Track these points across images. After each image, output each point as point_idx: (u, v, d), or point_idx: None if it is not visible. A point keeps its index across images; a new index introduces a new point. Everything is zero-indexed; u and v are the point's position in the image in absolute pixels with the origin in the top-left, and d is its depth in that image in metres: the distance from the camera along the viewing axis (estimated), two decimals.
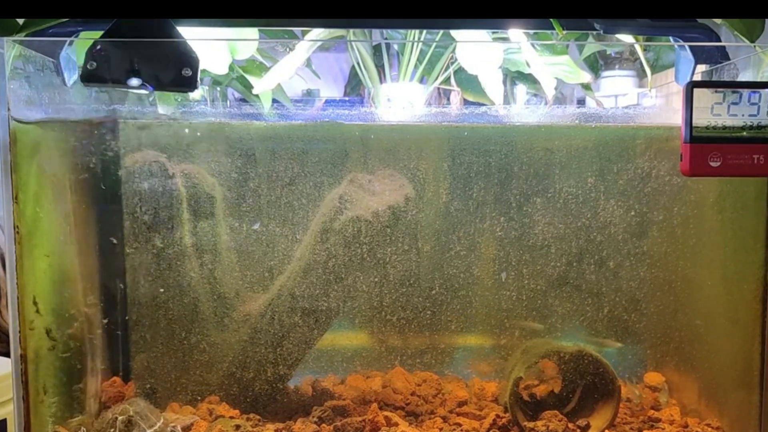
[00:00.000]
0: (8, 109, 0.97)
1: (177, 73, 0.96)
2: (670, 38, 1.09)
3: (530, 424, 1.13)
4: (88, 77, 0.94)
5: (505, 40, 1.35)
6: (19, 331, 1.00)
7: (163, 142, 1.18)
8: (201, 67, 1.20)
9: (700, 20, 1.05)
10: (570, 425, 1.13)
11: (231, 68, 1.30)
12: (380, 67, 1.51)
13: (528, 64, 1.32)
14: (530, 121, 1.26)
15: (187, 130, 1.20)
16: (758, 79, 1.04)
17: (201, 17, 1.01)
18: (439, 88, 1.51)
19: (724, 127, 0.92)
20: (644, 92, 1.55)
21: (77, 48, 1.09)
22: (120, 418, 1.03)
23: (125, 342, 1.23)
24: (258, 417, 1.16)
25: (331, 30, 1.27)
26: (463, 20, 1.08)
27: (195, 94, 1.44)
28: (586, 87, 1.52)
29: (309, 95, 1.86)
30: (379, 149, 1.22)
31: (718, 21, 1.08)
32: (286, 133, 1.22)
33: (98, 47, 0.94)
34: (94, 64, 0.94)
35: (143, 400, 1.12)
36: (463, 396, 1.25)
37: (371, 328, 1.26)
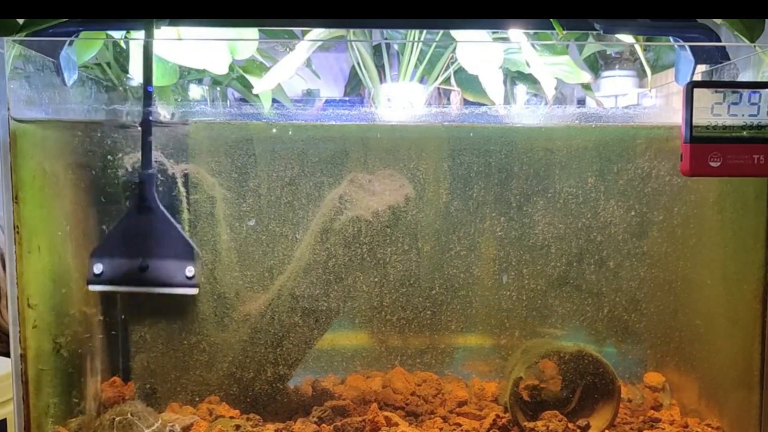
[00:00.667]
0: (8, 109, 0.97)
1: (181, 274, 1.00)
2: (670, 38, 1.09)
3: (530, 424, 1.13)
4: (95, 281, 0.98)
5: (505, 40, 1.35)
6: (19, 331, 1.00)
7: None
8: (201, 67, 1.21)
9: (700, 20, 1.05)
10: (570, 425, 1.13)
11: (231, 68, 1.30)
12: (380, 67, 1.51)
13: (528, 64, 1.32)
14: (530, 121, 1.26)
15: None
16: (758, 79, 1.04)
17: (201, 17, 1.01)
18: (439, 88, 1.51)
19: (724, 127, 0.92)
20: (644, 92, 1.55)
21: (77, 48, 1.09)
22: (117, 419, 1.03)
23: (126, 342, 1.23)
24: (258, 417, 1.16)
25: (331, 30, 1.27)
26: (463, 20, 1.08)
27: (195, 94, 1.44)
28: (586, 87, 1.52)
29: (309, 95, 1.86)
30: (379, 149, 1.22)
31: (718, 21, 1.08)
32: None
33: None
34: (101, 268, 0.98)
35: (141, 401, 1.12)
36: (463, 396, 1.25)
37: (371, 328, 1.26)
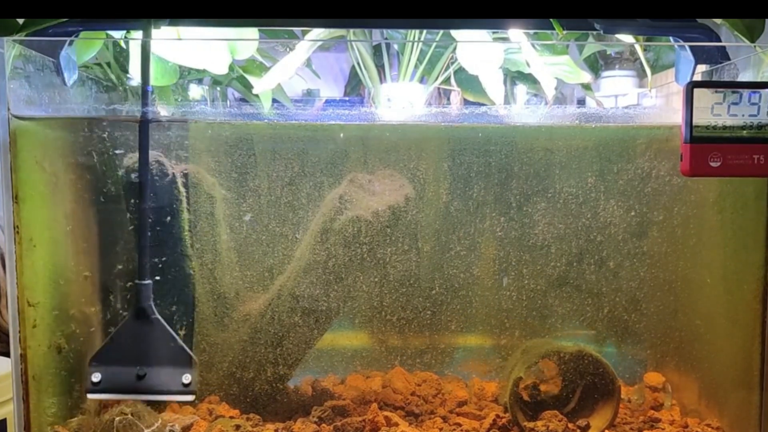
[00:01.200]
0: (8, 109, 0.97)
1: (178, 381, 1.01)
2: (670, 38, 1.09)
3: (530, 424, 1.13)
4: (93, 390, 1.00)
5: (506, 40, 1.35)
6: (19, 331, 1.00)
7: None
8: (201, 67, 1.21)
9: (700, 20, 1.05)
10: (570, 425, 1.13)
11: (231, 68, 1.30)
12: (380, 67, 1.51)
13: (528, 64, 1.32)
14: (530, 121, 1.26)
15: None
16: (758, 79, 1.04)
17: (201, 17, 1.01)
18: (439, 88, 1.51)
19: (725, 127, 0.92)
20: (644, 92, 1.55)
21: (77, 48, 1.09)
22: (117, 419, 1.03)
23: None
24: (258, 417, 1.16)
25: (331, 30, 1.27)
26: (463, 20, 1.08)
27: (195, 94, 1.44)
28: (586, 87, 1.52)
29: (309, 95, 1.86)
30: (379, 149, 1.22)
31: (718, 21, 1.08)
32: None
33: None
34: (99, 376, 1.00)
35: (140, 403, 1.11)
36: (463, 396, 1.25)
37: (371, 328, 1.26)
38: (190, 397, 1.02)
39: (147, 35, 1.01)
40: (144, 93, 1.01)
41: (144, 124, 1.02)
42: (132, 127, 1.18)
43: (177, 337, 1.02)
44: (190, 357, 1.01)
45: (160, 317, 1.02)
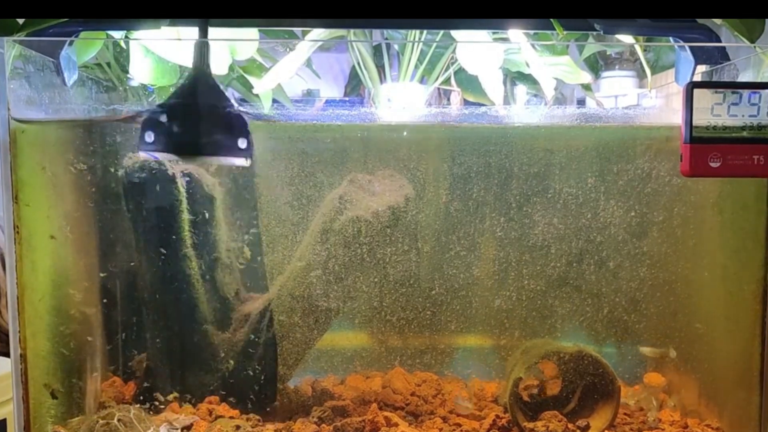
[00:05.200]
0: (8, 109, 0.97)
1: (234, 144, 0.96)
2: (670, 39, 1.09)
3: (530, 425, 1.13)
4: (146, 148, 0.95)
5: (505, 40, 1.35)
6: (19, 331, 1.00)
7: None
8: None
9: (700, 20, 1.05)
10: (570, 426, 1.13)
11: (231, 68, 1.30)
12: (380, 67, 1.51)
13: (528, 65, 1.32)
14: (530, 122, 1.26)
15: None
16: (758, 80, 1.04)
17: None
18: (439, 89, 1.51)
19: (724, 128, 0.92)
20: (644, 93, 1.55)
21: (77, 48, 1.09)
22: (100, 422, 1.02)
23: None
24: (258, 417, 1.16)
25: (332, 30, 1.27)
26: (463, 20, 1.08)
27: None
28: (586, 87, 1.52)
29: (309, 95, 1.86)
30: (380, 149, 1.22)
31: (718, 21, 1.08)
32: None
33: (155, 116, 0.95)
34: (152, 135, 0.95)
35: (136, 406, 1.11)
36: (463, 396, 1.25)
37: (371, 328, 1.26)
38: (245, 162, 0.98)
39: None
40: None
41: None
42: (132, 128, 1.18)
43: (233, 101, 0.97)
44: (245, 122, 0.96)
45: (215, 79, 0.97)
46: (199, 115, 0.96)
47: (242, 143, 0.96)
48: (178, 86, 0.99)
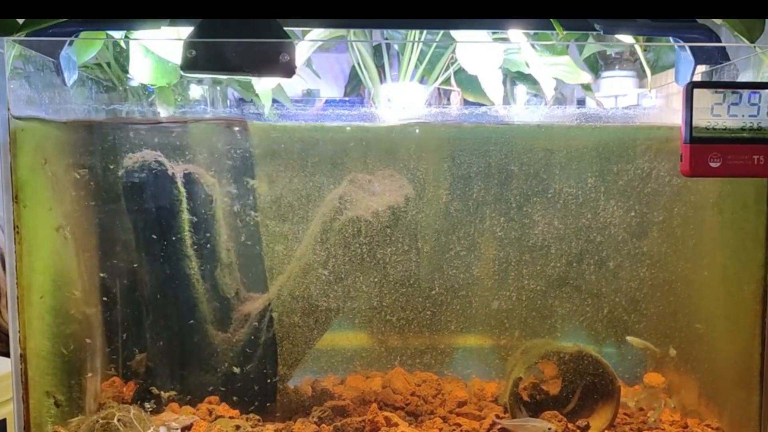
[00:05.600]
0: (8, 109, 0.97)
1: (275, 58, 0.95)
2: (670, 39, 1.09)
3: None
4: (189, 65, 0.94)
5: (505, 40, 1.35)
6: (19, 331, 1.00)
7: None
8: None
9: (700, 20, 1.05)
10: (570, 426, 1.13)
11: None
12: (380, 67, 1.51)
13: (528, 65, 1.32)
14: (530, 122, 1.26)
15: None
16: (758, 80, 1.04)
17: (201, 17, 1.01)
18: (439, 89, 1.51)
19: (724, 128, 0.92)
20: (644, 93, 1.55)
21: (77, 48, 1.09)
22: (100, 422, 1.02)
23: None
24: (258, 417, 1.16)
25: (332, 30, 1.27)
26: (463, 20, 1.08)
27: (195, 94, 1.44)
28: (586, 87, 1.52)
29: (309, 95, 1.86)
30: (379, 149, 1.22)
31: (718, 21, 1.08)
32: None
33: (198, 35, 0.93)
34: (194, 52, 0.94)
35: (136, 406, 1.11)
36: (462, 396, 1.25)
37: (371, 328, 1.26)
38: (288, 77, 0.97)
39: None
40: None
41: None
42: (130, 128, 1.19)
43: (274, 19, 0.96)
44: (287, 36, 0.96)
45: None
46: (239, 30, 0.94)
47: (284, 57, 0.95)
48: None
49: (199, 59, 0.95)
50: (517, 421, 1.11)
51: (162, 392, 1.19)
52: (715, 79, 1.07)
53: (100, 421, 1.02)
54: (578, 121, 1.21)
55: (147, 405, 1.17)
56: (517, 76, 1.47)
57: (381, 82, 1.50)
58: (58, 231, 1.10)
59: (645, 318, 1.24)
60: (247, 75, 0.97)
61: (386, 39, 1.51)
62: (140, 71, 1.19)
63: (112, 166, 1.16)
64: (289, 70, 0.96)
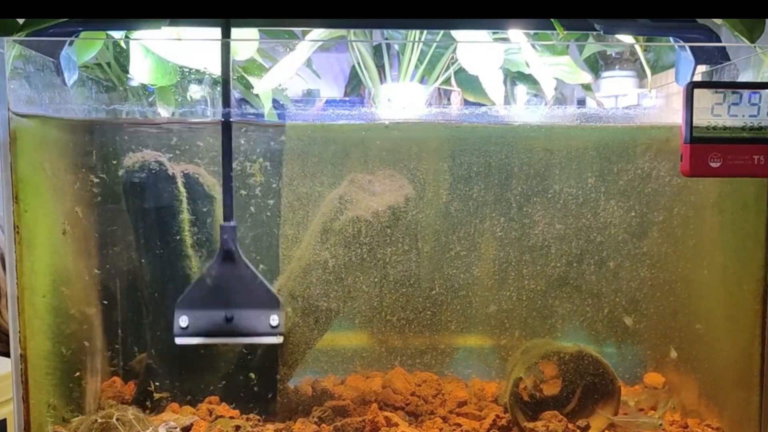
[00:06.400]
0: (8, 109, 0.97)
1: (266, 321, 1.00)
2: (671, 39, 1.09)
3: (530, 425, 1.13)
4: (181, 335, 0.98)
5: (506, 40, 1.35)
6: (19, 331, 1.00)
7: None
8: (201, 67, 1.21)
9: (700, 20, 1.05)
10: (570, 426, 1.13)
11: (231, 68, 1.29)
12: (381, 67, 1.51)
13: (528, 65, 1.32)
14: (530, 122, 1.26)
15: None
16: (758, 80, 1.04)
17: (201, 17, 1.01)
18: (439, 89, 1.51)
19: (725, 128, 0.92)
20: (644, 93, 1.55)
21: (77, 48, 1.09)
22: (99, 422, 1.02)
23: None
24: (258, 417, 1.16)
25: (332, 30, 1.27)
26: (463, 20, 1.08)
27: (195, 95, 1.44)
28: (587, 87, 1.52)
29: (309, 95, 1.86)
30: (380, 149, 1.22)
31: (718, 21, 1.08)
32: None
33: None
34: (187, 320, 0.98)
35: (135, 407, 1.11)
36: (463, 396, 1.25)
37: (371, 328, 1.26)
38: (278, 339, 1.00)
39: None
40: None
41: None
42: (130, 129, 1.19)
43: (263, 279, 1.00)
44: (276, 299, 0.99)
45: (245, 259, 1.00)
46: (231, 296, 0.99)
47: (274, 320, 1.00)
48: (207, 268, 1.02)
49: (191, 327, 0.99)
50: (627, 418, 1.11)
51: (160, 393, 1.18)
52: (715, 79, 1.07)
53: (99, 421, 1.02)
54: (578, 121, 1.21)
55: (147, 405, 1.17)
56: (517, 76, 1.47)
57: (381, 82, 1.50)
58: (58, 231, 1.10)
59: (645, 318, 1.24)
60: (238, 340, 1.02)
61: (386, 39, 1.51)
62: (140, 71, 1.19)
63: (112, 166, 1.16)
64: (278, 334, 1.01)
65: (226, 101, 1.02)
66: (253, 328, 0.99)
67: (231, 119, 1.02)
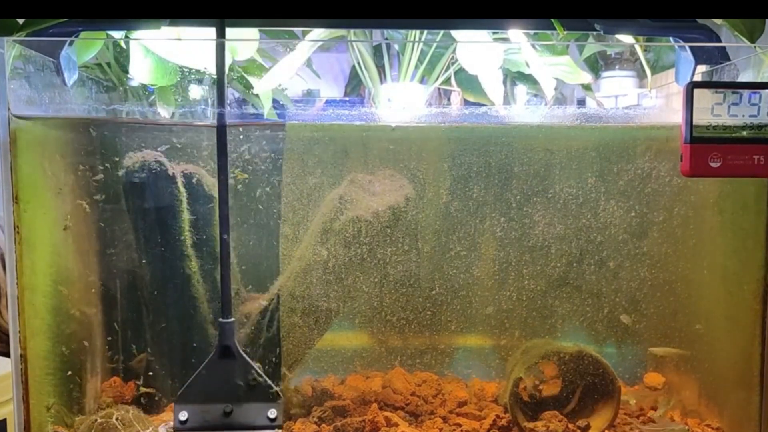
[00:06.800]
0: (8, 109, 0.97)
1: (264, 414, 1.01)
2: (671, 39, 1.09)
3: (530, 425, 1.13)
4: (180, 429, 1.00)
5: (506, 40, 1.35)
6: (19, 331, 1.00)
7: None
8: (201, 67, 1.21)
9: (700, 20, 1.05)
10: (570, 426, 1.13)
11: (231, 69, 1.30)
12: (381, 67, 1.51)
13: (528, 65, 1.32)
14: (530, 122, 1.26)
15: None
16: (758, 80, 1.04)
17: (201, 17, 1.01)
18: (439, 89, 1.51)
19: (725, 128, 0.92)
20: (644, 93, 1.55)
21: (77, 48, 1.09)
22: (99, 421, 1.02)
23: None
24: None
25: (332, 30, 1.27)
26: (463, 20, 1.08)
27: (195, 95, 1.44)
28: (587, 87, 1.52)
29: (309, 95, 1.86)
30: (380, 149, 1.22)
31: (719, 21, 1.08)
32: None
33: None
34: (186, 414, 0.99)
35: (135, 407, 1.11)
36: (463, 396, 1.25)
37: (371, 328, 1.26)
38: None
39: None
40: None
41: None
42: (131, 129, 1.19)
43: (261, 374, 1.02)
44: (275, 392, 1.02)
45: (244, 354, 1.02)
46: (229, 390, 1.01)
47: (272, 414, 1.01)
48: (206, 363, 1.02)
49: (190, 421, 1.00)
50: (656, 427, 1.12)
51: (162, 392, 1.19)
52: (715, 79, 1.07)
53: (99, 421, 1.02)
54: (578, 121, 1.21)
55: (147, 405, 1.17)
56: (517, 76, 1.47)
57: (381, 82, 1.50)
58: (57, 231, 1.10)
59: (645, 318, 1.24)
60: None
61: (386, 39, 1.51)
62: (140, 71, 1.19)
63: (112, 166, 1.16)
64: (276, 427, 1.02)
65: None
66: (252, 422, 1.01)
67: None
